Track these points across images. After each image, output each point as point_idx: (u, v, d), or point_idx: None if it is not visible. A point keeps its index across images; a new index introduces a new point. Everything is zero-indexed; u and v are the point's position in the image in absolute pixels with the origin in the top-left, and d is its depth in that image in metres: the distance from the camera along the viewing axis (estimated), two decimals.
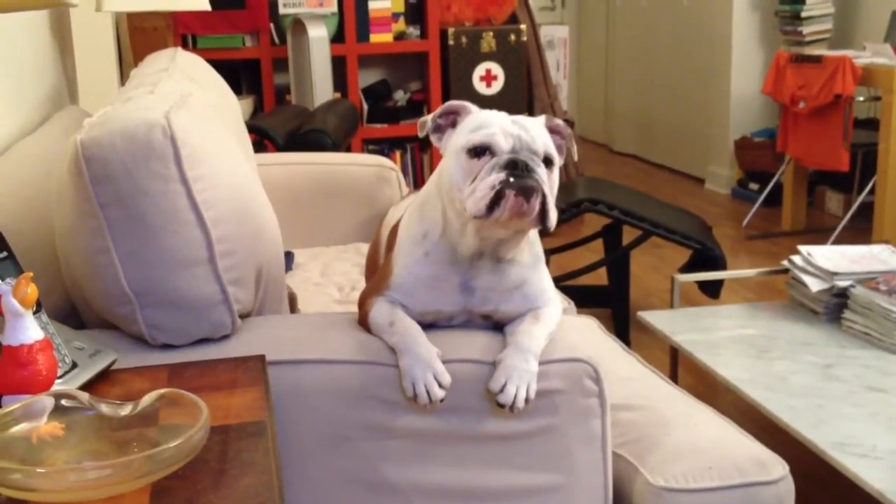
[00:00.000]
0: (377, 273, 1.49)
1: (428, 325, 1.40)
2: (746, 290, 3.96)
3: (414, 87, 5.24)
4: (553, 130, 1.38)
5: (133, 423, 1.00)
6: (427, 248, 1.38)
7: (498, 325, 1.42)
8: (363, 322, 1.42)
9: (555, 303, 1.42)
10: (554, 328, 1.38)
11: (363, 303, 1.44)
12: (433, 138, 1.39)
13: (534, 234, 1.40)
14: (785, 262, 2.85)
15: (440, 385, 1.29)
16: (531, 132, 1.31)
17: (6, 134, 2.13)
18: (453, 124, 1.38)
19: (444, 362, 1.33)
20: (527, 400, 1.29)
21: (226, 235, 1.34)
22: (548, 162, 1.30)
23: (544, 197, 1.26)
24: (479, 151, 1.29)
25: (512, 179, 1.24)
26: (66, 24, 3.10)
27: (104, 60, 3.63)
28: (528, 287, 1.40)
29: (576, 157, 1.43)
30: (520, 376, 1.29)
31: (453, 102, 1.38)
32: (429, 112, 5.06)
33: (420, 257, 1.39)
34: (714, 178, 6.07)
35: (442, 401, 1.30)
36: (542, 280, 1.42)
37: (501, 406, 1.29)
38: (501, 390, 1.29)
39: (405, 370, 1.31)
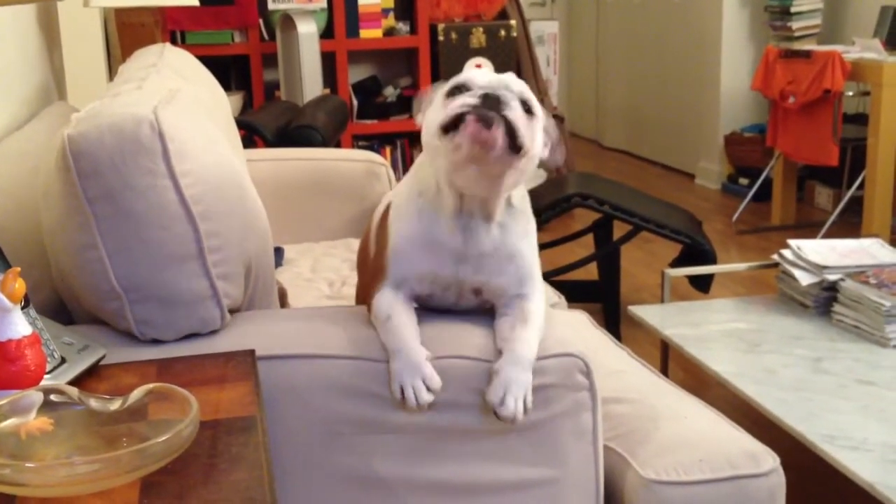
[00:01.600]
0: (375, 255, 1.48)
1: (426, 308, 1.41)
2: (736, 285, 3.97)
3: (404, 83, 5.23)
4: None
5: (122, 417, 1.00)
6: (420, 205, 1.38)
7: (486, 308, 1.42)
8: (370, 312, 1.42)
9: (540, 291, 1.42)
10: (542, 323, 1.38)
11: (368, 293, 1.43)
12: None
13: (525, 206, 1.40)
14: (775, 257, 2.86)
15: (429, 389, 1.29)
16: (511, 77, 1.31)
17: None
18: None
19: (438, 358, 1.32)
20: (525, 409, 1.30)
21: (214, 230, 1.34)
22: (526, 108, 1.29)
23: (512, 129, 1.24)
24: (456, 90, 1.29)
25: (478, 104, 1.24)
26: (53, 19, 3.09)
27: (92, 56, 3.62)
28: (521, 260, 1.38)
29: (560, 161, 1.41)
30: (518, 387, 1.29)
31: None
32: (419, 108, 5.05)
33: (413, 216, 1.38)
34: (704, 174, 6.08)
35: (430, 405, 1.30)
36: (532, 256, 1.41)
37: (500, 418, 1.30)
38: (501, 403, 1.29)
39: (395, 372, 1.30)
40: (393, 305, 1.37)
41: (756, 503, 1.45)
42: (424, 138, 1.34)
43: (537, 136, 1.31)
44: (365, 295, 1.45)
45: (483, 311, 1.43)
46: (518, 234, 1.39)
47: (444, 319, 1.43)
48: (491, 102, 1.25)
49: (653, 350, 3.04)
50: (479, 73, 1.32)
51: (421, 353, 1.32)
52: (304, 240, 2.71)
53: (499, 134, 1.23)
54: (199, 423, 0.95)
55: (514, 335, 1.34)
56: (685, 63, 6.32)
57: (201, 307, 1.33)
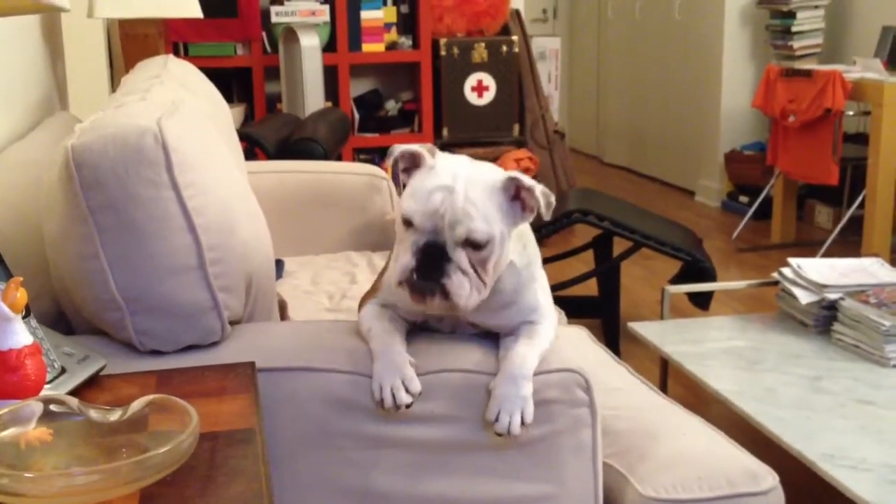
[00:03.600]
0: (379, 274, 1.50)
1: (424, 329, 1.42)
2: (736, 303, 3.97)
3: (405, 97, 5.25)
4: (519, 191, 1.30)
5: (122, 428, 1.00)
6: None
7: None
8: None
9: (550, 318, 1.41)
10: (547, 346, 1.38)
11: (360, 305, 1.46)
12: (402, 177, 1.35)
13: (527, 258, 1.38)
14: (775, 275, 2.86)
15: (408, 391, 1.30)
16: (458, 210, 1.25)
17: None
18: (417, 164, 1.33)
19: (436, 372, 1.32)
20: (524, 423, 1.30)
21: (216, 242, 1.34)
22: (475, 244, 1.26)
23: (446, 290, 1.25)
24: (408, 222, 1.28)
25: (416, 276, 1.25)
26: (57, 29, 3.09)
27: (95, 67, 3.63)
28: (517, 307, 1.39)
29: (545, 215, 1.30)
30: (512, 404, 1.30)
31: (409, 150, 1.32)
32: (420, 122, 5.07)
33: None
34: (704, 191, 6.09)
35: (408, 406, 1.30)
36: (535, 297, 1.40)
37: (499, 434, 1.30)
38: (497, 419, 1.30)
39: (375, 374, 1.32)
40: (377, 317, 1.39)
41: None
42: (397, 226, 1.33)
43: (490, 262, 1.28)
44: (359, 307, 1.47)
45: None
46: (511, 291, 1.37)
47: (443, 334, 1.43)
48: (431, 258, 1.25)
49: (652, 367, 3.03)
50: (422, 211, 1.26)
51: (403, 356, 1.33)
52: (305, 252, 2.71)
53: (435, 300, 1.27)
54: (198, 434, 0.95)
55: (512, 351, 1.34)
56: (686, 80, 6.33)
57: (202, 319, 1.33)
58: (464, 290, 1.26)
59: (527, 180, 1.29)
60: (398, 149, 1.32)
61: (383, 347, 1.33)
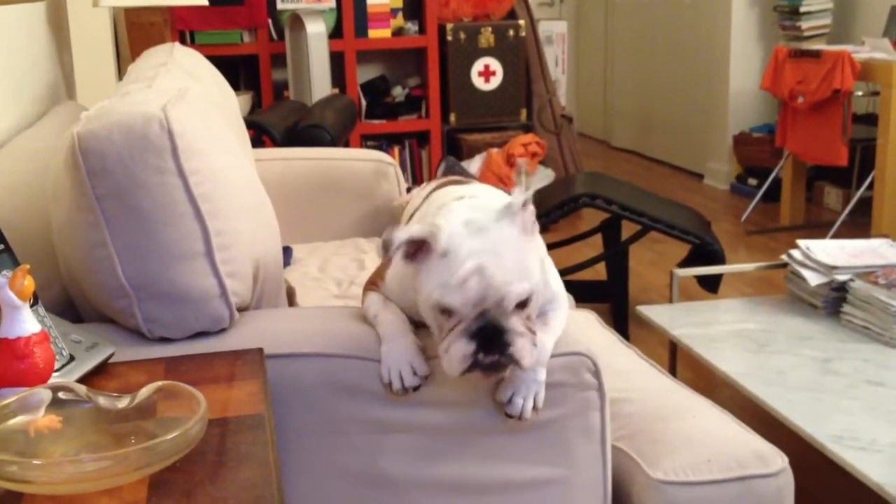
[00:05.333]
0: (381, 265, 1.49)
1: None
2: (745, 285, 3.96)
3: (412, 83, 5.24)
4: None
5: (131, 415, 1.00)
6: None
7: None
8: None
9: (563, 303, 1.41)
10: (560, 332, 1.37)
11: (363, 291, 1.46)
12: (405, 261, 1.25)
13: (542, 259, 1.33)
14: (784, 257, 2.85)
15: (415, 374, 1.30)
16: (499, 288, 1.18)
17: (3, 129, 2.12)
18: (422, 248, 1.23)
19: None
20: (535, 408, 1.30)
21: (223, 228, 1.34)
22: (523, 304, 1.21)
23: (515, 358, 1.20)
24: (447, 311, 1.21)
25: (481, 355, 1.19)
26: (63, 18, 3.10)
27: (101, 55, 3.63)
28: (531, 303, 1.37)
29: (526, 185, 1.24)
30: (527, 388, 1.30)
31: (417, 235, 1.21)
32: (427, 108, 5.06)
33: (407, 274, 1.33)
34: (713, 174, 6.07)
35: (416, 389, 1.30)
36: (550, 289, 1.37)
37: (510, 416, 1.30)
38: (509, 401, 1.30)
39: (383, 357, 1.32)
40: (383, 302, 1.39)
41: (765, 503, 1.45)
42: (422, 309, 1.26)
43: (535, 309, 1.25)
44: (363, 291, 1.47)
45: None
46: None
47: None
48: (490, 337, 1.18)
49: (661, 350, 3.03)
50: (462, 301, 1.18)
51: (410, 339, 1.32)
52: (313, 239, 2.71)
53: (506, 371, 1.24)
54: (207, 421, 0.96)
55: None
56: (694, 63, 6.31)
57: (210, 305, 1.33)
58: (527, 350, 1.21)
59: (519, 198, 1.21)
60: (399, 238, 1.20)
61: (391, 331, 1.34)
